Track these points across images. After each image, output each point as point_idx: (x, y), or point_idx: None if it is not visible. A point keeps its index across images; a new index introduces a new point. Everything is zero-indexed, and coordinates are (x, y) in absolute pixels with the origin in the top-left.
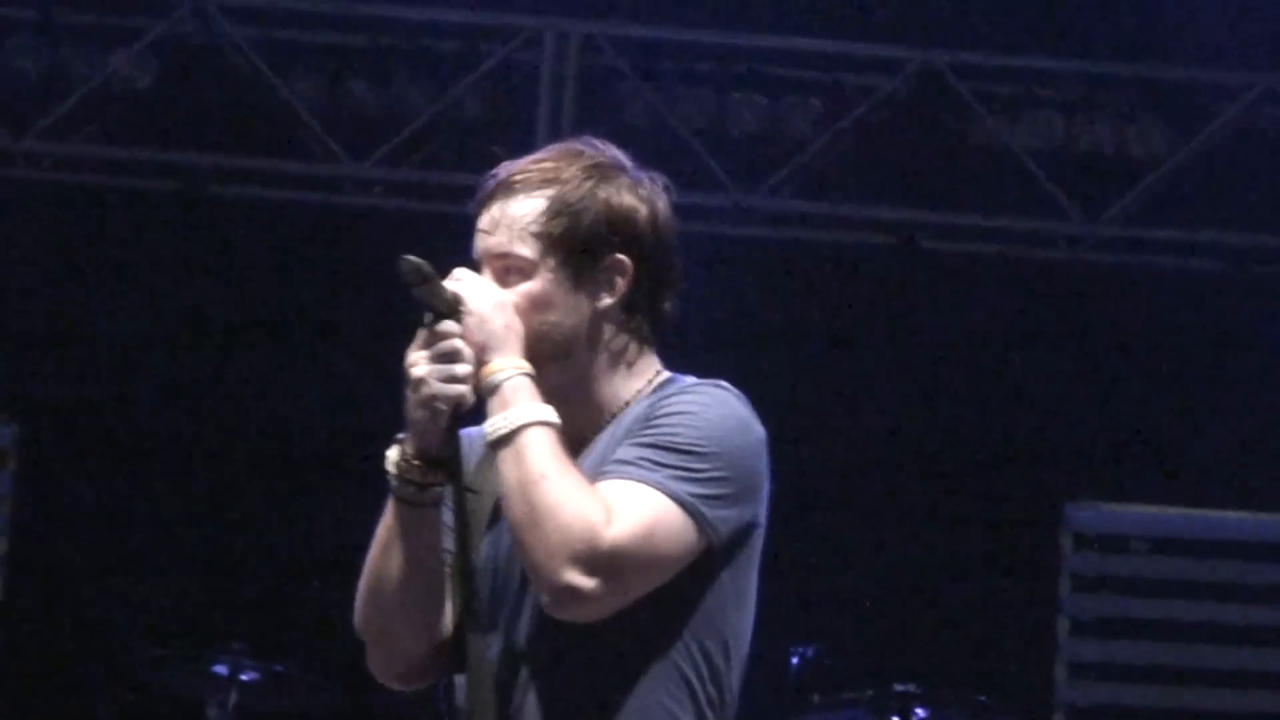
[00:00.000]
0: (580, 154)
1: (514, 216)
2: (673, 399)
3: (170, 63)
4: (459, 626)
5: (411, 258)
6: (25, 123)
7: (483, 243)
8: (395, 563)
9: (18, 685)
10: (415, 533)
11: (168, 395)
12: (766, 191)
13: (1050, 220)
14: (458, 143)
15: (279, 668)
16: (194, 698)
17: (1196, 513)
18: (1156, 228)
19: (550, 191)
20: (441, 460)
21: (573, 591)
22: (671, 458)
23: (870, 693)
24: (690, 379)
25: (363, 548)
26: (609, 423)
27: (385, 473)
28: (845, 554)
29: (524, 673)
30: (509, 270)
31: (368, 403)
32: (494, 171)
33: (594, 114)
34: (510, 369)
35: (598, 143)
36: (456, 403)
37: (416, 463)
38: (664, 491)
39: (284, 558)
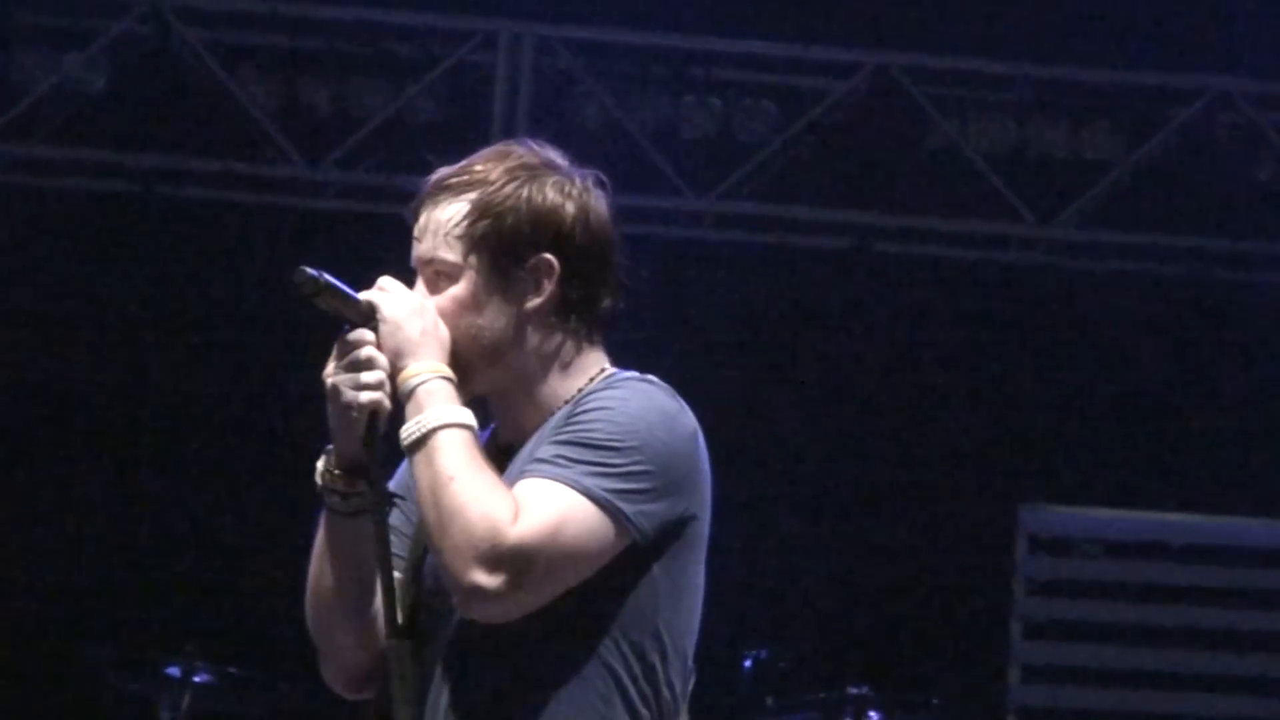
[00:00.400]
0: (508, 155)
1: (439, 221)
2: (594, 396)
3: (124, 65)
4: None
5: (306, 269)
6: None
7: (415, 250)
8: (330, 573)
9: None
10: (345, 542)
11: (118, 395)
12: (720, 194)
13: (1003, 223)
14: (413, 145)
15: (232, 670)
16: (147, 699)
17: (1149, 516)
18: (1109, 231)
19: (474, 195)
20: (361, 468)
21: (478, 590)
22: (587, 454)
23: (824, 695)
24: (619, 373)
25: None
26: (547, 421)
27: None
28: (798, 556)
29: (447, 677)
30: (438, 275)
31: (322, 404)
32: (428, 178)
33: (548, 116)
34: (426, 373)
35: (533, 143)
36: (372, 410)
37: (337, 472)
38: (575, 488)
39: (238, 559)
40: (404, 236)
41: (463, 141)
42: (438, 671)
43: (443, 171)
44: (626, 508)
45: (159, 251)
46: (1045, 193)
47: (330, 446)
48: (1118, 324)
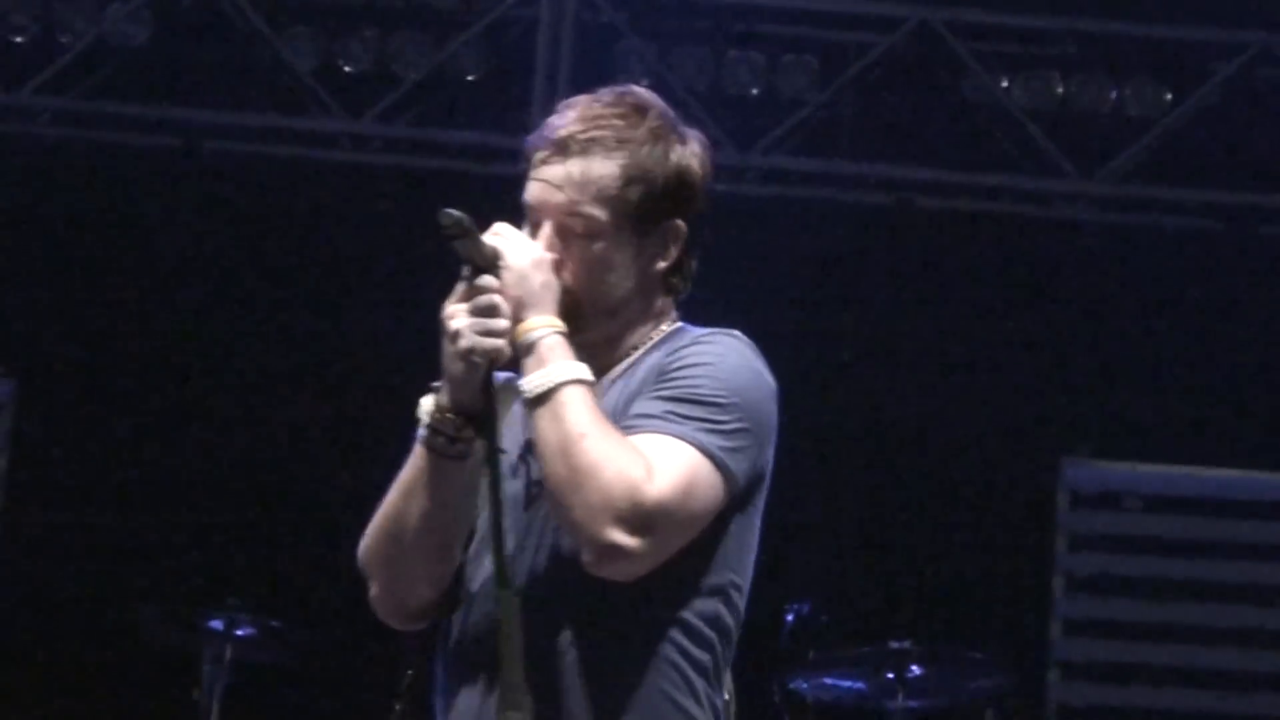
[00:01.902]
0: (644, 110)
1: (589, 177)
2: (690, 349)
3: (166, 18)
4: (457, 579)
5: (452, 211)
6: (22, 78)
7: (548, 196)
8: (416, 510)
9: (15, 653)
10: (439, 483)
11: (164, 350)
12: (763, 150)
13: (1046, 178)
14: (454, 99)
15: (275, 623)
16: (189, 652)
17: (1192, 470)
18: (1152, 186)
19: (624, 154)
20: (475, 414)
21: (617, 549)
22: (696, 410)
23: (865, 650)
24: (700, 329)
25: (359, 502)
26: (619, 367)
27: (416, 420)
28: (841, 511)
29: (553, 627)
30: (573, 228)
31: (363, 357)
32: (556, 123)
33: (591, 71)
34: (545, 327)
35: (645, 94)
36: (493, 357)
37: (450, 415)
38: (695, 445)
39: (280, 513)
40: (447, 189)
41: (504, 96)
42: (536, 624)
43: (579, 119)
44: (732, 464)
45: (200, 205)
46: (1088, 148)
47: (438, 385)
48: (1160, 279)
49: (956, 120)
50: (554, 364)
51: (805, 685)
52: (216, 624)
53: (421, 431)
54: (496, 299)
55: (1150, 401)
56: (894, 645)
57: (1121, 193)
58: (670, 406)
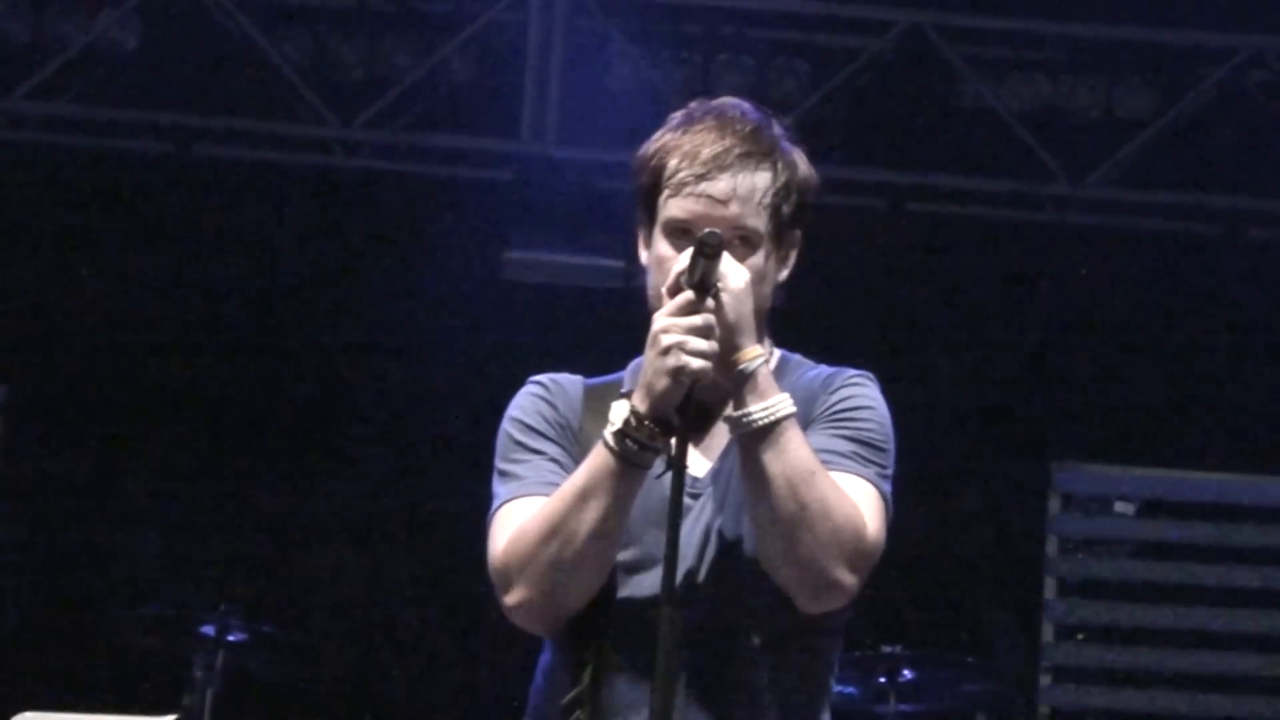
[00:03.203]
0: (769, 121)
1: (751, 189)
2: (853, 390)
3: (156, 23)
4: (611, 592)
5: (717, 231)
6: (11, 84)
7: (713, 211)
8: (592, 516)
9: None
10: (622, 490)
11: (155, 356)
12: None
13: (1036, 182)
14: (445, 104)
15: (266, 629)
16: (181, 658)
17: (1183, 474)
18: (1141, 190)
19: (772, 165)
20: (666, 425)
21: (839, 587)
22: (874, 454)
23: (857, 654)
24: (824, 366)
25: (353, 507)
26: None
27: (610, 426)
28: None
29: (722, 646)
30: (739, 242)
31: (354, 360)
32: (734, 135)
33: (581, 76)
34: (760, 356)
35: (749, 104)
36: (698, 377)
37: (649, 424)
38: (879, 491)
39: (273, 519)
40: (436, 196)
41: (495, 101)
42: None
43: (730, 137)
44: (892, 510)
45: (191, 210)
46: (1078, 151)
47: (630, 392)
48: (1150, 283)
49: (946, 124)
50: (775, 395)
51: None
52: (208, 629)
53: (610, 438)
54: (712, 320)
55: (1141, 405)
56: (886, 649)
57: (1111, 196)
58: (855, 448)
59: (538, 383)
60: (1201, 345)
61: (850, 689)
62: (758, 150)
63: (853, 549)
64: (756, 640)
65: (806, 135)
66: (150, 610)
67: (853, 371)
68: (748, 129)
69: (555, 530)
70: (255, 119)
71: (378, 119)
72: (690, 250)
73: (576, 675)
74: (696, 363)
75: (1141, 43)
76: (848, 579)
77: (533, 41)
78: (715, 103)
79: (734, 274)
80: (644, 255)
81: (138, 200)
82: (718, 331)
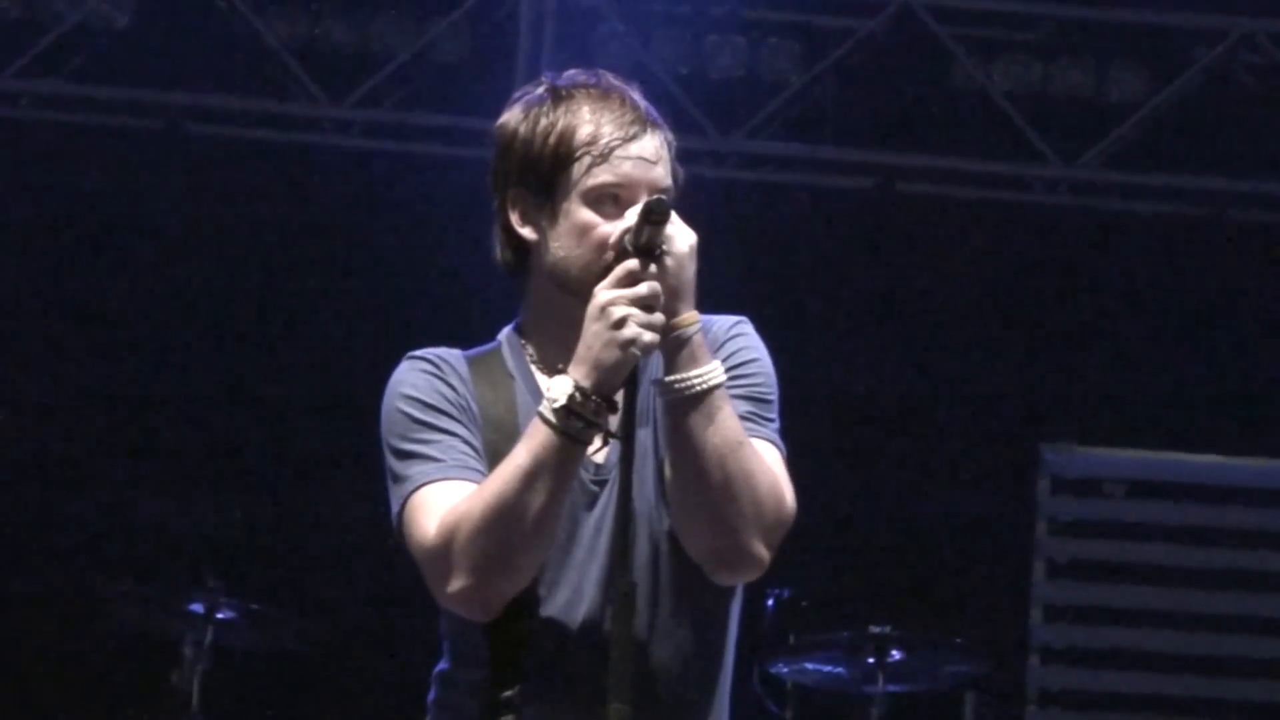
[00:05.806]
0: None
1: (658, 151)
2: (737, 341)
3: (147, 2)
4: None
5: (664, 198)
6: (2, 61)
7: (645, 173)
8: (539, 498)
9: None
10: (567, 468)
11: (145, 332)
12: (745, 134)
13: (1027, 164)
14: (436, 83)
15: (255, 605)
16: (170, 635)
17: (1172, 456)
18: (1133, 172)
19: (658, 127)
20: (610, 401)
21: (756, 560)
22: (766, 409)
23: (846, 635)
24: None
25: (342, 483)
26: None
27: (550, 402)
28: (821, 495)
29: (648, 620)
30: None
31: (346, 338)
32: (632, 101)
33: (572, 55)
34: (697, 322)
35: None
36: (649, 349)
37: (594, 399)
38: (780, 451)
39: (262, 494)
40: (428, 174)
41: (486, 80)
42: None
43: (637, 97)
44: None
45: (182, 188)
46: (1069, 133)
47: (568, 369)
48: (1142, 265)
49: (938, 105)
50: (709, 362)
51: (785, 670)
52: (197, 606)
53: (552, 416)
54: (658, 288)
55: (1131, 387)
56: (874, 630)
57: (1103, 178)
58: (751, 408)
59: (423, 358)
60: (1192, 327)
61: (839, 669)
62: (646, 114)
63: (773, 521)
64: (668, 610)
65: (798, 116)
66: (138, 587)
67: (731, 320)
68: (628, 95)
69: (501, 514)
70: (246, 97)
71: (368, 98)
72: (635, 215)
73: (495, 683)
74: (648, 335)
75: (1133, 25)
76: (764, 552)
77: (524, 21)
78: (571, 75)
79: (681, 236)
80: (529, 231)
81: (129, 178)
82: (661, 299)
